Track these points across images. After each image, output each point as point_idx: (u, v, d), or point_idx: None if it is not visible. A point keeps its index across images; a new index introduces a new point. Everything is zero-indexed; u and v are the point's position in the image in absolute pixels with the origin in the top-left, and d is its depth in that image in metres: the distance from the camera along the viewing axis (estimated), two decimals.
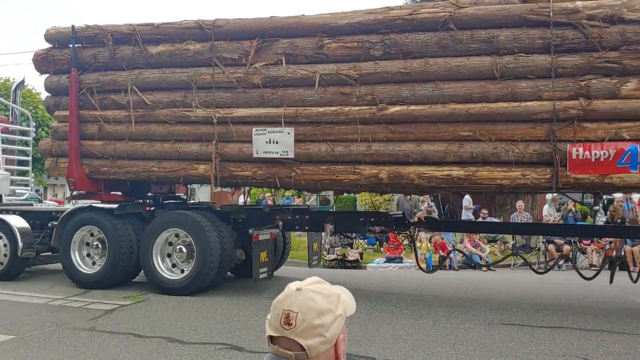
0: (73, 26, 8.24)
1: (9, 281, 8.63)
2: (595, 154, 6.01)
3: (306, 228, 8.04)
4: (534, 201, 16.03)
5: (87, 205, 8.44)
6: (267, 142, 7.27)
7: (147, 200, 9.02)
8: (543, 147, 6.20)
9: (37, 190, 23.00)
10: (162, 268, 7.75)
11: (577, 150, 6.06)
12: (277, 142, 7.23)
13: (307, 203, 21.73)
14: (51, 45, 8.54)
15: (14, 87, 12.58)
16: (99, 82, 8.15)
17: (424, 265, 11.41)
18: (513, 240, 13.14)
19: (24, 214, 9.27)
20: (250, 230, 7.31)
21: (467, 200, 14.75)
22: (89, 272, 8.20)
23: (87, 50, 8.25)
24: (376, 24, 6.80)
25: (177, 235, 7.78)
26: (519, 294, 8.22)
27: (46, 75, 8.66)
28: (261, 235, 7.46)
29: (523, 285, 9.01)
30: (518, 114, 6.25)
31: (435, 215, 14.24)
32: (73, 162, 8.30)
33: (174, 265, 7.80)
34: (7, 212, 9.37)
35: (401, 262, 12.64)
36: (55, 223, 8.53)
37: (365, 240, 14.27)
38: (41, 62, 8.53)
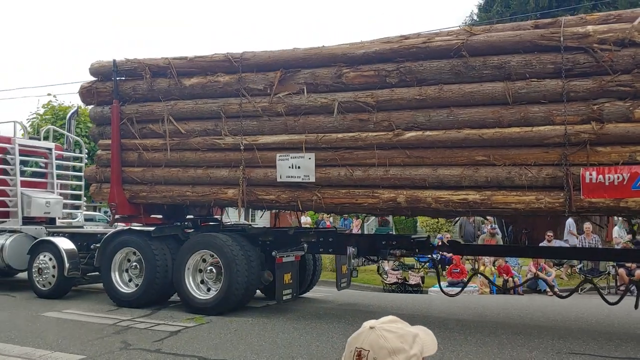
0: (114, 60, 8.87)
1: (60, 299, 9.19)
2: (609, 177, 5.98)
3: (330, 250, 8.25)
4: (602, 222, 15.43)
5: (127, 227, 8.97)
6: (289, 167, 7.58)
7: (185, 223, 9.47)
8: (556, 171, 6.22)
9: (105, 212, 24.15)
10: (194, 288, 8.13)
11: (591, 174, 6.05)
12: (299, 167, 7.53)
13: (365, 224, 21.94)
14: (95, 79, 9.20)
15: (68, 116, 13.49)
16: (138, 112, 8.71)
17: (487, 290, 11.26)
18: (580, 263, 12.71)
19: (72, 236, 9.92)
20: (273, 253, 7.60)
21: (571, 224, 14.25)
22: (127, 291, 8.68)
23: (127, 83, 8.85)
24: (391, 53, 7.03)
25: (209, 256, 8.15)
26: (588, 320, 7.94)
27: (91, 106, 9.34)
28: (285, 258, 7.73)
29: (592, 311, 8.66)
30: (530, 138, 6.31)
31: (499, 237, 14.07)
32: (115, 187, 8.87)
33: (205, 286, 8.16)
34: (58, 234, 10.06)
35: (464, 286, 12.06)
36: (97, 245, 9.10)
37: (427, 264, 13.94)
38: (86, 94, 9.21)
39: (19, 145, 11.25)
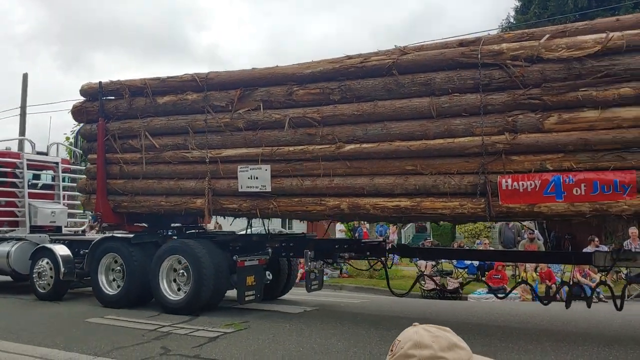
0: (100, 82, 9.72)
1: (57, 301, 9.96)
2: (523, 184, 6.42)
3: (291, 254, 8.86)
4: None
5: (111, 235, 9.78)
6: (249, 178, 8.23)
7: (168, 231, 10.23)
8: (476, 179, 6.68)
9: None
10: (167, 290, 8.84)
11: (507, 182, 6.50)
12: (257, 178, 8.17)
13: (402, 230, 21.96)
14: (85, 99, 10.07)
15: (75, 131, 14.49)
16: (120, 129, 9.52)
17: (529, 296, 11.11)
18: (627, 269, 11.65)
19: (70, 243, 10.81)
20: (234, 257, 8.26)
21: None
22: (111, 293, 9.47)
23: (111, 103, 9.69)
24: (334, 72, 7.63)
25: (180, 261, 8.86)
26: (634, 327, 7.83)
27: (82, 124, 10.22)
28: (247, 262, 8.37)
29: (638, 318, 8.45)
30: (453, 149, 6.80)
31: (540, 243, 13.87)
32: (100, 198, 9.70)
33: (177, 287, 8.87)
34: (58, 241, 10.96)
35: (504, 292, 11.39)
36: (87, 251, 9.94)
37: (466, 270, 13.75)
38: (77, 113, 10.09)
39: (27, 160, 12.27)
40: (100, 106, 9.68)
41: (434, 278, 12.23)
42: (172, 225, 10.51)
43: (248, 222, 9.66)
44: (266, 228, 9.54)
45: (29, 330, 7.52)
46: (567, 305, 7.64)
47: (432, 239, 20.69)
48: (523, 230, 14.59)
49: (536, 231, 14.13)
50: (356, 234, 20.62)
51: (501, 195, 6.54)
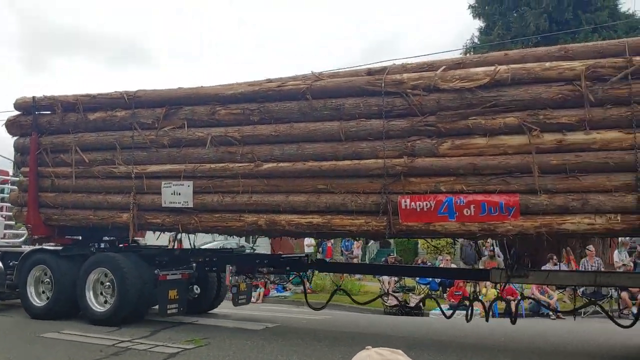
0: (34, 97, 9.88)
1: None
2: (420, 204, 6.88)
3: (214, 269, 9.15)
4: (604, 246, 15.68)
5: (40, 247, 9.91)
6: (172, 194, 8.51)
7: (100, 244, 10.38)
8: (379, 198, 7.12)
9: None
10: (93, 301, 9.03)
11: (406, 202, 6.96)
12: (179, 194, 8.46)
13: (367, 246, 22.03)
14: (19, 113, 10.21)
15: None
16: (52, 143, 9.68)
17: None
18: (585, 288, 12.20)
19: (3, 255, 10.86)
20: (156, 271, 8.51)
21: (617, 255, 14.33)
22: (40, 305, 9.59)
23: (44, 117, 9.84)
24: (254, 94, 8.01)
25: (106, 274, 9.06)
26: (590, 343, 8.06)
27: (15, 137, 10.34)
28: (169, 276, 8.63)
29: (594, 334, 8.70)
30: (359, 170, 7.24)
31: (500, 260, 14.14)
32: (31, 210, 9.82)
33: (103, 299, 9.06)
34: None
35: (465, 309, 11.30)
36: (16, 262, 10.03)
37: (428, 286, 13.87)
38: (11, 126, 10.19)
39: None
40: (33, 120, 9.83)
41: (397, 294, 12.25)
42: (104, 238, 10.67)
43: (175, 236, 9.91)
44: (191, 243, 9.80)
45: None
46: (513, 322, 7.92)
47: (395, 255, 21.00)
48: (484, 248, 15.02)
49: (497, 248, 14.16)
50: (320, 249, 21.05)
51: (401, 214, 6.99)
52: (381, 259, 21.53)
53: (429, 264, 16.92)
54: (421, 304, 12.28)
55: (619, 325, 7.22)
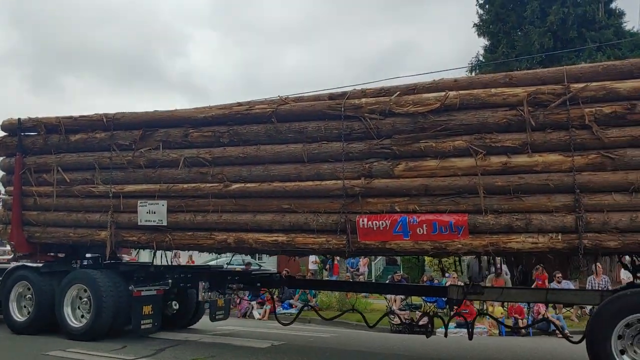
0: (19, 119, 10.27)
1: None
2: (376, 223, 7.19)
3: (188, 285, 9.45)
4: (612, 263, 15.76)
5: (22, 264, 10.25)
6: (147, 213, 8.85)
7: (83, 261, 10.70)
8: (339, 218, 7.44)
9: None
10: (70, 317, 9.32)
11: (363, 221, 7.27)
12: (154, 213, 8.80)
13: (372, 263, 21.98)
14: (6, 134, 10.61)
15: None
16: (36, 163, 10.05)
17: (496, 331, 11.53)
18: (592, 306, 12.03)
19: None
20: (130, 287, 8.82)
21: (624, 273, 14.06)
22: (21, 320, 9.89)
23: (29, 138, 10.23)
24: (224, 118, 8.38)
25: (84, 290, 9.36)
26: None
27: (1, 158, 10.73)
28: (144, 292, 8.94)
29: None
30: (321, 190, 7.56)
31: (507, 278, 14.06)
32: (15, 228, 10.17)
33: (81, 314, 9.35)
34: None
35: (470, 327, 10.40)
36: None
37: (435, 304, 13.53)
38: None
39: None
40: (18, 141, 10.21)
41: (402, 312, 12.25)
42: (88, 255, 10.99)
43: (154, 254, 10.22)
44: (167, 259, 10.11)
45: None
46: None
47: (402, 272, 20.95)
48: (491, 265, 14.90)
49: (504, 266, 14.29)
50: (327, 266, 21.17)
51: (359, 233, 7.30)
52: (387, 276, 21.64)
53: (435, 282, 16.95)
54: (429, 322, 11.66)
55: (569, 340, 7.43)
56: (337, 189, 7.44)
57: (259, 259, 26.38)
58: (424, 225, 6.95)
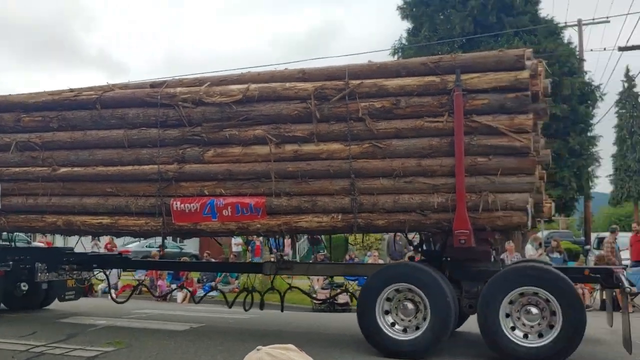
0: None
1: None
2: (188, 206, 7.71)
3: (27, 266, 9.68)
4: (524, 241, 16.58)
5: None
6: None
7: None
8: (156, 201, 7.90)
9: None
10: None
11: (177, 204, 7.77)
12: None
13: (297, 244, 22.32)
14: None
15: None
16: None
17: None
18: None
19: None
20: None
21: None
22: None
23: None
24: (54, 103, 8.60)
25: None
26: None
27: None
28: None
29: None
30: (140, 174, 7.99)
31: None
32: None
33: None
34: None
35: None
36: None
37: (356, 282, 13.54)
38: None
39: None
40: None
41: (324, 291, 12.59)
42: None
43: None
44: (10, 241, 10.27)
45: None
46: None
47: (325, 252, 21.29)
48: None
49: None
50: (249, 247, 21.31)
51: (174, 215, 7.80)
52: (310, 257, 22.05)
53: (356, 260, 17.47)
54: (349, 300, 12.32)
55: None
56: (153, 173, 7.88)
57: (180, 242, 26.53)
58: (229, 207, 7.53)
